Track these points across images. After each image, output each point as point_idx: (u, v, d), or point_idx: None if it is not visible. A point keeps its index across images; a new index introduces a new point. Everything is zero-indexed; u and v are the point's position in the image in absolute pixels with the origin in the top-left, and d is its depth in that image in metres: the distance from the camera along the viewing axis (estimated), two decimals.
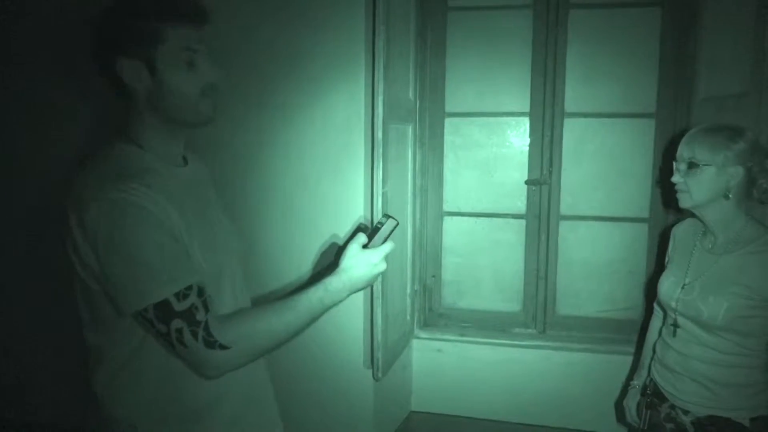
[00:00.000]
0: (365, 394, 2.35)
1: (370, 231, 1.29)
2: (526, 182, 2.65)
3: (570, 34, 2.55)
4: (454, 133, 2.72)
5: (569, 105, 2.59)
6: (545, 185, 2.62)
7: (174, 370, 1.17)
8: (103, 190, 1.08)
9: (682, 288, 1.66)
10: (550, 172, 2.61)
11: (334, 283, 1.23)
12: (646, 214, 2.58)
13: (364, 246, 1.27)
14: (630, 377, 2.06)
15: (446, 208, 2.75)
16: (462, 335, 2.69)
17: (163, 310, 1.08)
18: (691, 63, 2.37)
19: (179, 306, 1.08)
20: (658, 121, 2.53)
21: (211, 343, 1.08)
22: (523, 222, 2.68)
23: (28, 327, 2.61)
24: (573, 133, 2.59)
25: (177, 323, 1.07)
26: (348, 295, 1.26)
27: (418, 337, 2.71)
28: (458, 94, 2.69)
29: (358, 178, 2.26)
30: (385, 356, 2.24)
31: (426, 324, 2.77)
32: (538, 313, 2.68)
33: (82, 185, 1.12)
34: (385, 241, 1.29)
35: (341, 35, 2.21)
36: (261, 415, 1.36)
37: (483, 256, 2.74)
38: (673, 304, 1.67)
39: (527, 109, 2.63)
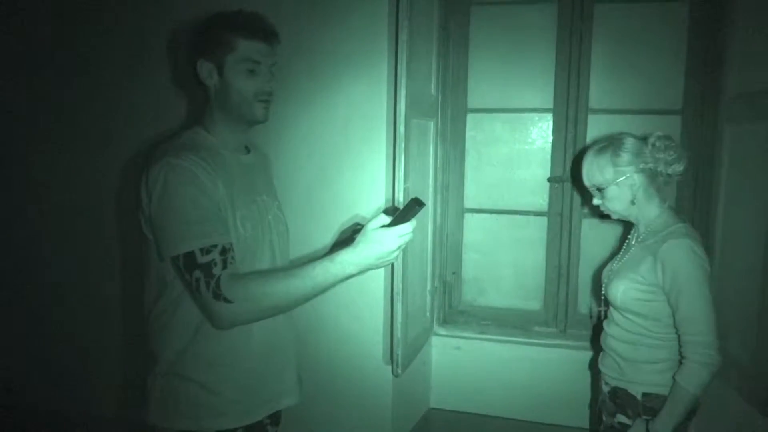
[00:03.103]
0: (384, 389, 2.34)
1: (395, 214, 1.29)
2: (549, 179, 2.62)
3: (595, 28, 2.51)
4: (476, 128, 2.70)
5: (594, 101, 2.55)
6: (568, 183, 2.58)
7: (204, 319, 1.35)
8: (166, 156, 1.32)
9: (607, 275, 1.90)
10: (572, 169, 2.57)
11: (342, 254, 1.29)
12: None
13: (384, 226, 1.27)
14: None
15: (467, 204, 2.73)
16: (481, 333, 2.67)
17: (189, 260, 1.28)
18: (720, 58, 2.32)
19: (201, 259, 1.27)
20: (684, 118, 2.48)
21: (217, 295, 1.25)
22: (545, 219, 2.65)
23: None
24: (597, 129, 2.55)
25: (197, 273, 1.27)
26: (358, 271, 1.30)
27: (438, 334, 2.69)
28: (481, 89, 2.67)
29: (379, 173, 2.25)
30: (404, 352, 2.23)
31: (445, 321, 2.75)
32: (559, 312, 2.65)
33: (154, 154, 1.37)
34: (405, 222, 1.28)
35: (364, 29, 2.20)
36: (280, 374, 1.53)
37: (504, 253, 2.72)
38: (603, 290, 1.90)
39: (551, 105, 2.60)
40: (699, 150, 2.41)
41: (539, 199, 2.66)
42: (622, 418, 1.81)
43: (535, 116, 2.64)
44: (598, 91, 2.55)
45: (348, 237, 1.49)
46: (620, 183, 1.76)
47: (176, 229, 1.29)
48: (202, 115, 1.52)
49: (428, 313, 2.62)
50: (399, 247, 1.28)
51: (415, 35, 2.17)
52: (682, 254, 1.67)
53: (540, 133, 2.63)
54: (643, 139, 1.80)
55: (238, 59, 1.42)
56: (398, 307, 2.16)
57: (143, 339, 1.48)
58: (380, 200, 2.25)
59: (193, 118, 1.65)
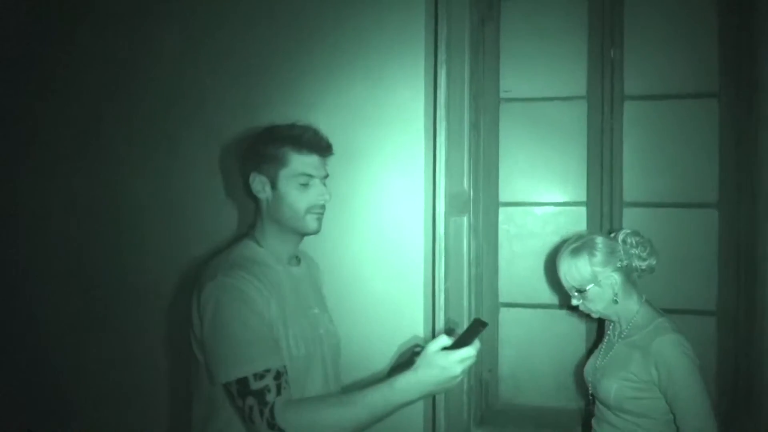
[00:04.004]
0: None
1: (458, 335, 1.24)
2: None
3: (625, 124, 2.54)
4: (509, 222, 2.68)
5: (628, 194, 2.54)
6: None
7: None
8: (218, 275, 1.31)
9: (594, 371, 1.90)
10: None
11: (402, 381, 1.22)
12: (713, 306, 2.48)
13: (446, 349, 1.22)
14: None
15: (502, 299, 2.68)
16: None
17: (242, 386, 1.24)
18: (753, 154, 2.32)
19: (255, 385, 1.23)
20: (720, 213, 2.46)
21: (271, 425, 1.20)
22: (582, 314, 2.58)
23: None
24: (631, 223, 2.52)
25: (250, 400, 1.22)
26: (419, 398, 1.24)
27: None
28: (512, 183, 2.67)
29: (417, 274, 2.20)
30: None
31: (483, 421, 2.63)
32: None
33: (206, 271, 1.36)
34: (468, 345, 1.22)
35: (401, 129, 2.21)
36: None
37: (542, 348, 2.64)
38: (589, 386, 1.93)
39: (584, 198, 2.59)
40: (736, 243, 2.38)
41: None
42: None
43: (568, 209, 2.62)
44: (631, 184, 2.54)
45: (407, 359, 1.44)
46: (601, 283, 1.80)
47: (228, 354, 1.25)
48: (253, 226, 1.51)
49: (465, 414, 2.51)
50: (462, 372, 1.22)
51: (451, 134, 2.20)
52: (674, 350, 1.71)
53: (573, 226, 2.60)
54: (613, 237, 1.88)
55: (292, 174, 1.42)
56: (441, 414, 2.08)
57: None
58: (419, 303, 2.19)
59: (243, 229, 1.63)
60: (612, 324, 1.94)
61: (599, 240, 1.85)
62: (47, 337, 2.54)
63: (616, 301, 1.82)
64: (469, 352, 1.22)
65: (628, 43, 2.54)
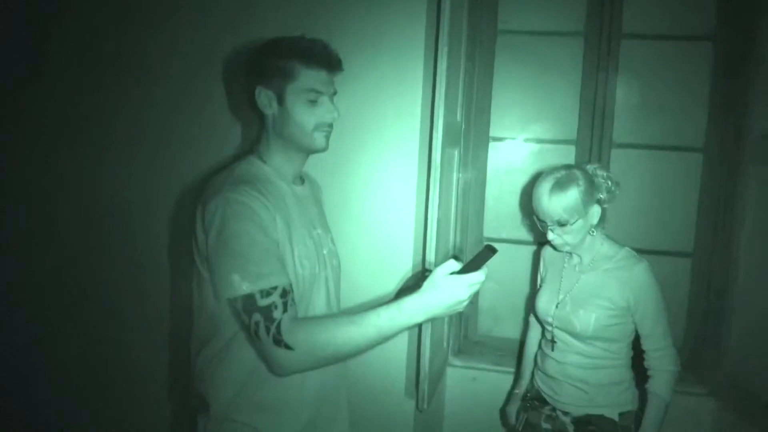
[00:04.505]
0: (406, 424, 2.27)
1: (467, 260, 1.24)
2: None
3: (620, 64, 2.53)
4: (498, 157, 2.68)
5: (617, 136, 2.56)
6: None
7: (260, 362, 1.29)
8: (223, 190, 1.26)
9: (557, 305, 1.91)
10: None
11: (409, 303, 1.21)
12: (689, 249, 2.56)
13: (453, 273, 1.22)
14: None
15: (487, 233, 2.70)
16: (497, 364, 2.62)
17: (249, 302, 1.21)
18: (743, 98, 2.35)
19: (262, 302, 1.20)
20: (705, 156, 2.51)
21: (277, 341, 1.19)
22: None
23: None
24: (620, 164, 2.55)
25: (256, 317, 1.20)
26: (425, 319, 1.23)
27: (453, 365, 2.63)
28: (504, 118, 2.65)
29: (410, 201, 2.19)
30: (429, 387, 2.17)
31: (461, 351, 2.70)
32: None
33: (210, 187, 1.32)
34: (477, 270, 1.22)
35: (400, 55, 2.15)
36: (331, 424, 1.48)
37: (521, 283, 2.69)
38: (550, 320, 1.92)
39: (574, 136, 2.59)
40: (719, 189, 2.44)
41: None
42: None
43: (558, 147, 2.63)
44: (621, 126, 2.55)
45: (414, 283, 1.44)
46: (587, 215, 1.80)
47: (235, 270, 1.22)
48: (257, 142, 1.44)
49: (445, 344, 2.56)
50: (469, 297, 1.22)
51: (450, 65, 2.14)
52: (649, 276, 1.81)
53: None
54: (583, 171, 1.85)
55: (300, 89, 1.35)
56: (426, 341, 2.10)
57: (190, 378, 1.39)
58: (409, 230, 2.19)
59: (247, 146, 1.56)
60: (568, 257, 1.95)
61: (581, 173, 1.81)
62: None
63: (592, 233, 1.84)
64: (479, 277, 1.21)
65: None
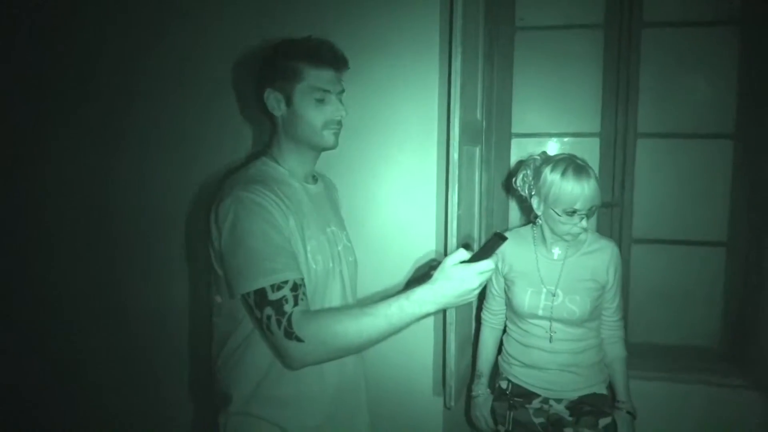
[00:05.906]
0: (435, 423, 2.27)
1: (476, 249, 1.24)
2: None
3: (643, 53, 2.48)
4: (521, 153, 2.66)
5: (642, 125, 2.51)
6: (617, 207, 2.54)
7: (275, 358, 1.32)
8: (236, 189, 1.30)
9: (545, 297, 1.91)
10: (622, 194, 2.53)
11: (419, 292, 1.22)
12: (723, 238, 2.49)
13: (463, 262, 1.22)
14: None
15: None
16: None
17: (260, 297, 1.23)
18: None
19: (273, 296, 1.22)
20: (736, 142, 2.44)
21: (289, 334, 1.20)
22: None
23: None
24: (646, 154, 2.51)
25: (268, 311, 1.22)
26: (435, 310, 1.23)
27: None
28: (525, 114, 2.64)
29: (430, 200, 2.21)
30: (457, 384, 2.17)
31: None
32: None
33: (224, 187, 1.35)
34: (486, 258, 1.23)
35: (415, 55, 2.17)
36: (351, 418, 1.50)
37: None
38: (541, 313, 1.92)
39: (598, 129, 2.56)
40: (752, 175, 2.37)
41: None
42: (605, 420, 1.90)
43: (582, 140, 2.60)
44: (646, 115, 2.51)
45: (424, 273, 1.45)
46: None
47: (247, 266, 1.25)
48: (269, 144, 1.49)
49: (473, 341, 2.55)
50: (480, 285, 1.22)
51: (466, 61, 2.15)
52: (619, 253, 1.95)
53: (587, 157, 2.58)
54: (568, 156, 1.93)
55: (307, 88, 1.38)
56: (451, 337, 2.11)
57: (212, 375, 1.44)
58: (431, 227, 2.20)
59: (260, 147, 1.60)
60: (541, 249, 1.97)
61: (569, 156, 1.91)
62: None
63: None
64: (488, 265, 1.21)
65: None
